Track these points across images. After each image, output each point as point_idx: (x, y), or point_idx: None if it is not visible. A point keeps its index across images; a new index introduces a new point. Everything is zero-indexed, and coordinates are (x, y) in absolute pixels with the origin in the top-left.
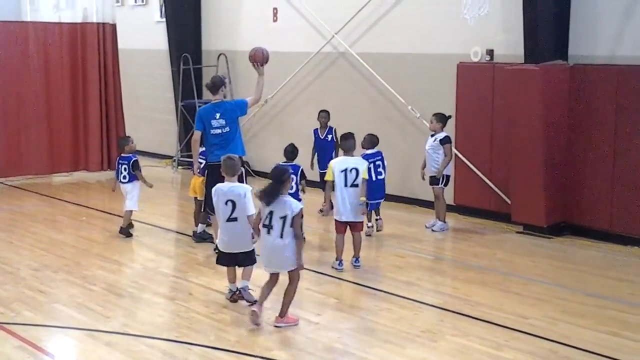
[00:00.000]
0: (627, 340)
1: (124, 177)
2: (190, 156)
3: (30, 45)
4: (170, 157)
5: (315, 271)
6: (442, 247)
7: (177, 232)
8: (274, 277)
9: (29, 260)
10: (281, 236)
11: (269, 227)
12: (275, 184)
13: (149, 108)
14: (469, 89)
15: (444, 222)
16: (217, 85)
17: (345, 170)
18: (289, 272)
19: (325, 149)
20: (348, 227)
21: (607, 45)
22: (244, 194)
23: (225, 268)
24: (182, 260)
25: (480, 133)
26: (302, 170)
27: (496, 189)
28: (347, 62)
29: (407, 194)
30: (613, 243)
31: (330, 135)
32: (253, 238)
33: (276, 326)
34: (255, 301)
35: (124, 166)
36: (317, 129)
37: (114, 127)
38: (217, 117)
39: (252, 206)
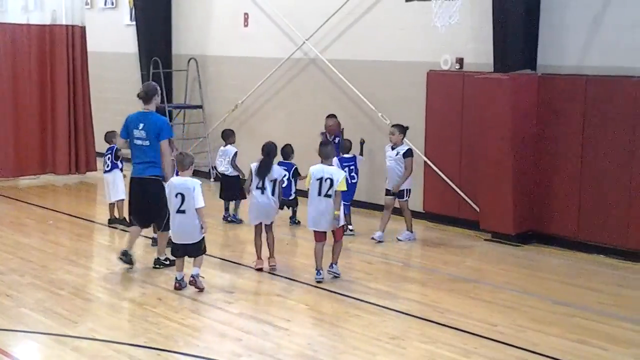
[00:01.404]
0: (595, 348)
1: (107, 166)
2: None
3: None
4: None
5: (286, 277)
6: (411, 254)
7: (145, 236)
8: (258, 228)
9: None
10: (272, 194)
11: (262, 189)
12: (267, 157)
13: (117, 111)
14: (438, 97)
15: (412, 232)
16: (149, 94)
17: (321, 179)
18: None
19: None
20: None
21: (575, 55)
22: (193, 188)
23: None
24: (151, 265)
25: (450, 141)
26: (295, 168)
27: (465, 197)
28: (317, 68)
29: (376, 201)
30: (580, 251)
31: (338, 138)
32: (202, 229)
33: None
34: (203, 288)
35: (107, 156)
36: (324, 132)
37: (82, 130)
38: (140, 128)
39: (201, 199)
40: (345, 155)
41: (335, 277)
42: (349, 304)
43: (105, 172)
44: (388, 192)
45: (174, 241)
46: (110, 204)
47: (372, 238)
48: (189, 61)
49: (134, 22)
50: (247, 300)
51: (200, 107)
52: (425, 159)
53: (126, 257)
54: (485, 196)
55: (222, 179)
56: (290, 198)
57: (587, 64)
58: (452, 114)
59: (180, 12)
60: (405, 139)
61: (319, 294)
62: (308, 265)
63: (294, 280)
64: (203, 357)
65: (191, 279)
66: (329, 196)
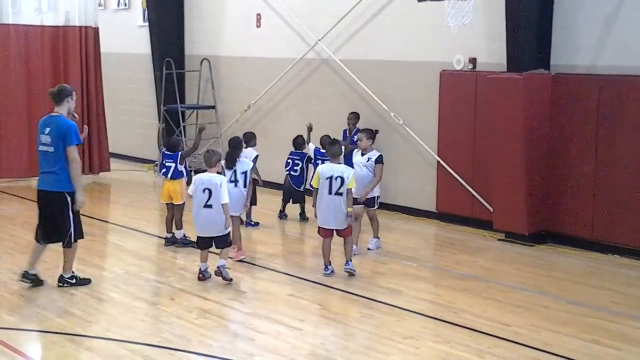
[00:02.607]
0: (609, 348)
1: None
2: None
3: (12, 48)
4: (152, 162)
5: (298, 277)
6: (424, 254)
7: (158, 236)
8: (236, 220)
9: (9, 264)
10: (245, 186)
11: (235, 182)
12: (233, 150)
13: (131, 112)
14: (451, 96)
15: (378, 238)
16: (62, 94)
17: (331, 177)
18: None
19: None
20: (334, 232)
21: (588, 55)
22: (220, 183)
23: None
24: (164, 265)
25: (463, 141)
26: (308, 157)
27: (478, 197)
28: (330, 68)
29: (389, 201)
30: (594, 251)
31: (356, 137)
32: (227, 223)
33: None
34: (231, 279)
35: None
36: (346, 129)
37: (95, 131)
38: (46, 133)
39: (226, 195)
40: (323, 150)
41: (352, 274)
42: (362, 304)
43: None
44: (356, 201)
45: (199, 235)
46: None
47: (369, 249)
48: (201, 62)
49: (147, 23)
50: (259, 300)
51: (213, 107)
52: (439, 159)
53: (28, 278)
54: (499, 196)
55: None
56: (301, 189)
57: (600, 64)
58: (465, 114)
59: (192, 13)
60: (373, 144)
61: (332, 293)
62: (320, 264)
63: (306, 279)
64: (217, 357)
65: (217, 270)
66: (340, 194)
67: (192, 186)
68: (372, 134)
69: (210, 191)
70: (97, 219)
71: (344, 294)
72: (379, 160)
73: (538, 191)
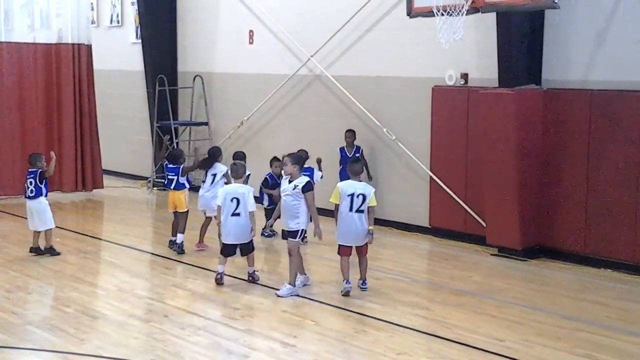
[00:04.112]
0: None
1: (31, 192)
2: (163, 177)
3: (5, 65)
4: (145, 178)
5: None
6: (417, 270)
7: (152, 253)
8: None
9: (1, 281)
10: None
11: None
12: (210, 157)
13: (124, 129)
14: (443, 112)
15: (293, 285)
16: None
17: (352, 194)
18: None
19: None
20: (354, 249)
21: (579, 70)
22: (247, 193)
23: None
24: (157, 281)
25: (455, 156)
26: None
27: (471, 212)
28: (322, 84)
29: (383, 217)
30: (587, 266)
31: (358, 154)
32: (252, 231)
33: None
34: (258, 279)
35: (29, 180)
36: (343, 147)
37: (88, 148)
38: None
39: (253, 203)
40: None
41: (363, 290)
42: (356, 320)
43: (28, 197)
44: (285, 234)
45: (225, 242)
46: (35, 232)
47: (279, 295)
48: (194, 78)
49: (140, 40)
50: (252, 317)
51: (206, 124)
52: (431, 174)
53: None
54: (492, 211)
55: None
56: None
57: (591, 79)
58: (457, 129)
59: (185, 30)
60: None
61: (325, 310)
62: (315, 281)
63: (299, 296)
64: None
65: (249, 277)
66: (361, 211)
67: (220, 197)
68: (299, 159)
69: (238, 200)
70: (90, 236)
71: (337, 310)
72: (307, 188)
73: (531, 206)
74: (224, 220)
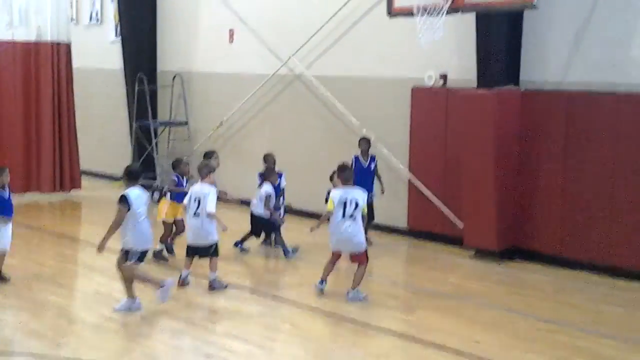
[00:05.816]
0: None
1: None
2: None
3: None
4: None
5: (270, 296)
6: (395, 272)
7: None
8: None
9: None
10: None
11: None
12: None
13: (103, 128)
14: (423, 112)
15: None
16: None
17: (345, 201)
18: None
19: (366, 176)
20: (350, 257)
21: (557, 71)
22: (209, 194)
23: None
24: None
25: (434, 157)
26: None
27: (449, 213)
28: (302, 84)
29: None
30: (563, 268)
31: (373, 164)
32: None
33: None
34: (226, 286)
35: None
36: (357, 155)
37: (67, 148)
38: None
39: (212, 204)
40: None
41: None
42: (334, 323)
43: None
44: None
45: (187, 243)
46: None
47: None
48: (174, 77)
49: (119, 39)
50: (231, 320)
51: (186, 123)
52: (410, 176)
53: None
54: (469, 213)
55: (252, 217)
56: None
57: (569, 80)
58: (436, 130)
59: (165, 29)
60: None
61: (304, 313)
62: (293, 284)
63: (278, 297)
64: None
65: (210, 284)
66: (353, 218)
67: (186, 197)
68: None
69: (199, 201)
70: (68, 237)
71: (315, 313)
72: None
73: (507, 207)
74: (187, 220)
